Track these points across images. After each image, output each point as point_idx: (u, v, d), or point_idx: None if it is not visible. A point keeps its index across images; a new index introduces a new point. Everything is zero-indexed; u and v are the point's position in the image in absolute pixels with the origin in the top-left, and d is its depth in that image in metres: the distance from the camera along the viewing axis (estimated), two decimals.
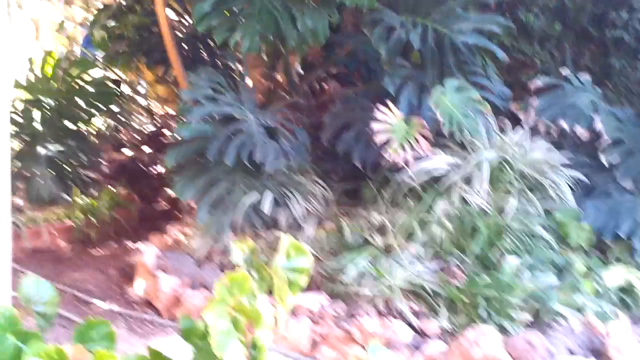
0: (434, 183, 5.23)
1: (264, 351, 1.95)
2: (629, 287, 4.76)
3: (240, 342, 1.87)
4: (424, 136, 5.16)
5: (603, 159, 5.51)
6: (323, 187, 5.74)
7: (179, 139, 5.43)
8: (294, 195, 5.57)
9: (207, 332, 1.90)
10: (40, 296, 2.09)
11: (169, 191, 7.06)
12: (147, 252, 5.34)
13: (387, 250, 5.02)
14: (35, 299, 2.07)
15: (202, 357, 1.88)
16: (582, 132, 5.64)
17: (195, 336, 1.89)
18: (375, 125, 5.13)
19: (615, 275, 4.80)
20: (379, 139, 5.11)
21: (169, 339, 4.25)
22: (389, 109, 5.21)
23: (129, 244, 6.20)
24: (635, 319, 4.70)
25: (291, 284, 2.01)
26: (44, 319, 2.09)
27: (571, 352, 4.28)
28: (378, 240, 5.06)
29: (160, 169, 7.50)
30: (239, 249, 1.95)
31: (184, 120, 5.47)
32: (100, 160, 7.30)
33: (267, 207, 5.36)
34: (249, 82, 6.44)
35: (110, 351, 1.82)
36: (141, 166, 7.52)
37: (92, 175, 6.98)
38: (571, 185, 5.22)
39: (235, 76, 6.70)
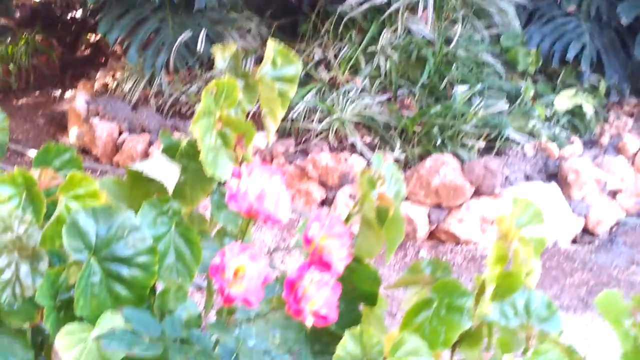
0: (377, 13, 4.98)
1: None
2: (578, 111, 4.71)
3: (230, 159, 1.66)
4: None
5: None
6: (258, 23, 5.42)
7: None
8: (228, 33, 5.24)
9: (192, 149, 1.68)
10: None
11: (90, 37, 6.60)
12: (77, 98, 4.99)
13: (333, 85, 4.81)
14: None
15: (191, 176, 1.67)
16: None
17: (180, 155, 1.67)
18: None
19: (565, 99, 4.74)
20: None
21: None
22: None
23: (54, 92, 5.80)
24: (586, 143, 4.68)
25: (280, 94, 1.78)
26: None
27: (528, 178, 4.24)
28: (323, 75, 4.84)
29: (78, 14, 6.98)
30: (220, 55, 1.70)
31: None
32: (10, 5, 6.72)
33: (201, 44, 5.03)
34: None
35: None
36: (55, 11, 6.97)
37: (3, 21, 6.44)
38: (515, 12, 5.06)
39: None
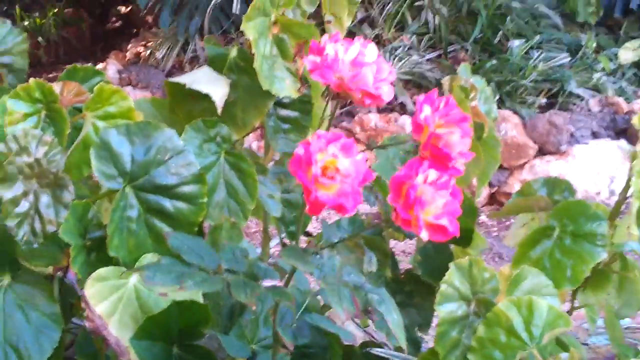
0: None
1: (318, 86, 1.45)
2: None
3: (288, 72, 1.38)
4: None
5: None
6: None
7: None
8: None
9: (243, 59, 1.39)
10: (3, 41, 1.55)
11: (121, 9, 6.35)
12: (108, 68, 4.74)
13: (378, 42, 4.50)
14: None
15: (242, 93, 1.38)
16: None
17: (229, 68, 1.38)
18: None
19: (629, 51, 4.38)
20: None
21: None
22: None
23: (85, 64, 5.55)
24: None
25: None
26: (15, 74, 1.57)
27: (595, 135, 3.90)
28: (367, 32, 4.53)
29: None
30: None
31: None
32: None
33: (236, 5, 4.74)
34: None
35: None
36: None
37: None
38: None
39: None
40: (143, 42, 5.25)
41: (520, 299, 1.03)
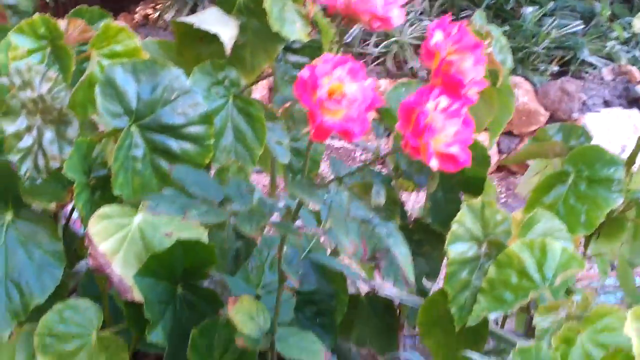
0: None
1: (328, 32, 1.42)
2: None
3: (298, 15, 1.35)
4: None
5: None
6: None
7: None
8: None
9: (254, 1, 1.36)
10: None
11: None
12: None
13: None
14: None
15: (252, 36, 1.35)
16: None
17: (238, 10, 1.35)
18: None
19: None
20: None
21: None
22: None
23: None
24: None
25: None
26: (19, 16, 1.54)
27: (607, 103, 3.86)
28: None
29: None
30: None
31: None
32: None
33: None
34: None
35: None
36: None
37: None
38: None
39: None
40: (152, 4, 5.20)
41: (533, 241, 1.01)
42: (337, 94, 0.77)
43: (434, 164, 0.79)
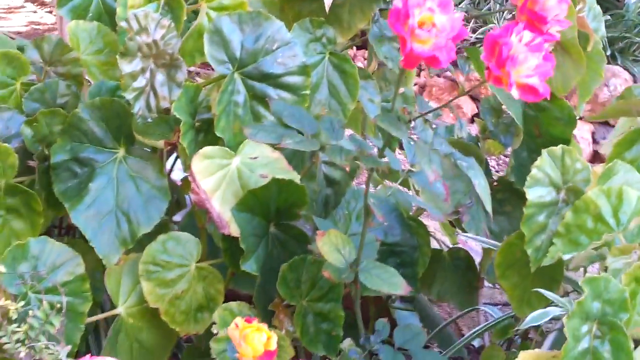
0: None
1: None
2: None
3: None
4: None
5: None
6: None
7: None
8: None
9: None
10: None
11: None
12: None
13: None
14: None
15: None
16: None
17: None
18: None
19: None
20: None
21: None
22: None
23: None
24: None
25: None
26: None
27: None
28: None
29: None
30: None
31: None
32: None
33: None
34: None
35: None
36: None
37: None
38: None
39: None
40: None
41: (610, 188, 1.04)
42: (427, 24, 0.84)
43: (514, 93, 0.84)
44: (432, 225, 1.80)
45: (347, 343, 1.20)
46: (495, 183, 1.43)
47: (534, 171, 1.09)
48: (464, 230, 1.55)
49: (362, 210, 1.29)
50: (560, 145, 1.11)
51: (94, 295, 1.24)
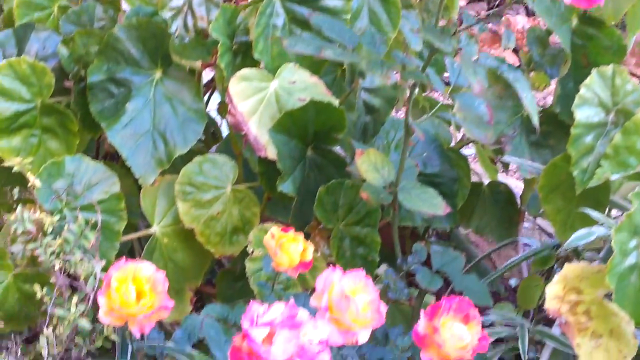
0: None
1: None
2: None
3: None
4: None
5: None
6: None
7: None
8: None
9: None
10: None
11: None
12: None
13: None
14: None
15: None
16: None
17: None
18: None
19: None
20: None
21: None
22: None
23: None
24: None
25: None
26: None
27: None
28: None
29: None
30: None
31: None
32: None
33: None
34: None
35: None
36: None
37: None
38: None
39: None
40: None
41: None
42: None
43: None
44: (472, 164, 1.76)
45: (383, 269, 1.18)
46: (540, 115, 1.39)
47: (582, 90, 1.05)
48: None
49: (402, 141, 1.26)
50: (611, 65, 1.07)
51: (129, 218, 1.23)
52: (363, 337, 0.81)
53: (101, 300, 0.82)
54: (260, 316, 0.66)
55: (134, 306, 0.81)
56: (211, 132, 1.64)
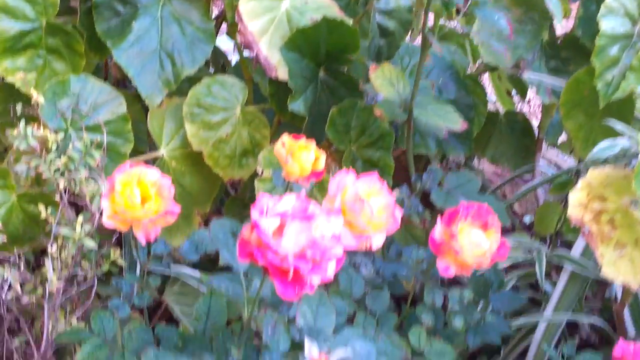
0: None
1: None
2: None
3: None
4: None
5: None
6: None
7: None
8: None
9: None
10: None
11: None
12: None
13: None
14: None
15: None
16: None
17: None
18: None
19: None
20: None
21: None
22: None
23: None
24: None
25: None
26: None
27: None
28: None
29: None
30: None
31: None
32: None
33: None
34: None
35: None
36: None
37: None
38: None
39: None
40: None
41: None
42: None
43: None
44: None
45: (396, 192, 1.15)
46: (559, 40, 1.34)
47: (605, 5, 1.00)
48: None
49: (417, 67, 1.22)
50: None
51: (136, 145, 1.20)
52: (377, 241, 0.78)
53: (104, 203, 0.79)
54: (271, 208, 0.63)
55: (138, 209, 0.78)
56: (221, 65, 1.61)
